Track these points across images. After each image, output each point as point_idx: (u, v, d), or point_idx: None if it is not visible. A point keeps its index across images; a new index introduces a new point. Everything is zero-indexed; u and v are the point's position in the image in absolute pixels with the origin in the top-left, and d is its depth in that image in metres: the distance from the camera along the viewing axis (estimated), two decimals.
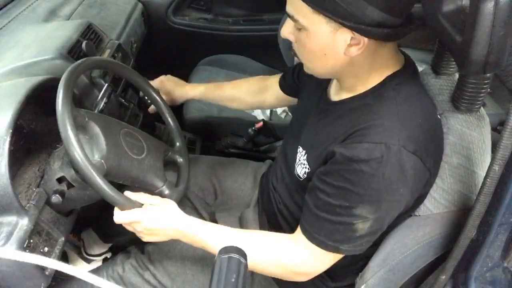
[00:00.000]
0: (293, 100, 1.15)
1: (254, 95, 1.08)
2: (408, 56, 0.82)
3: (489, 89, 0.71)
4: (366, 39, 0.67)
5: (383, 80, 0.75)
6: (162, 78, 1.24)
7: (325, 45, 0.70)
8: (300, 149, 0.87)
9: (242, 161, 1.28)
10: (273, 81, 1.19)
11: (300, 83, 1.08)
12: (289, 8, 0.71)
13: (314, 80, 0.88)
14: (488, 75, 0.68)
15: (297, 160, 0.87)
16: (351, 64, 0.73)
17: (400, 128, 0.69)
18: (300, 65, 1.04)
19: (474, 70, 0.61)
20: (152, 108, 1.22)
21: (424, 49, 1.34)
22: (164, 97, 1.18)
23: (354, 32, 0.67)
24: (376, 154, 0.67)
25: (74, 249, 1.37)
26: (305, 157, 0.84)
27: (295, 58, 1.66)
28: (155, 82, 1.22)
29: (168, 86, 1.22)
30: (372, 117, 0.71)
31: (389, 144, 0.67)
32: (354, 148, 0.70)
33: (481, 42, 0.57)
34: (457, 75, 0.80)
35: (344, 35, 0.68)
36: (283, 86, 1.16)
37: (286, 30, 0.75)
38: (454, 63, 0.81)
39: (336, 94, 0.85)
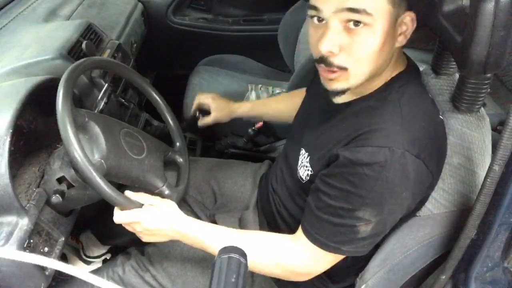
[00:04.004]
0: None
1: (296, 107, 1.08)
2: (409, 57, 0.81)
3: (489, 89, 0.71)
4: (411, 25, 0.69)
5: (387, 82, 0.75)
6: (214, 95, 1.30)
7: (387, 36, 0.68)
8: (302, 151, 0.87)
9: (241, 163, 1.28)
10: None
11: None
12: (352, 3, 0.64)
13: (317, 81, 0.88)
14: (488, 75, 0.68)
15: (300, 162, 0.87)
16: (384, 61, 0.72)
17: (403, 131, 0.69)
18: None
19: (474, 70, 0.61)
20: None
21: (424, 49, 1.34)
22: (213, 113, 1.26)
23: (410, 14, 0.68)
24: (380, 158, 0.67)
25: (73, 251, 1.36)
26: (307, 160, 0.84)
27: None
28: (207, 99, 1.29)
29: (219, 103, 1.28)
30: (376, 120, 0.71)
31: (393, 148, 0.67)
32: (358, 152, 0.69)
33: (481, 43, 0.57)
34: (457, 75, 0.79)
35: (405, 17, 0.69)
36: None
37: (330, 43, 0.67)
38: (454, 63, 0.81)
39: (339, 96, 0.84)
